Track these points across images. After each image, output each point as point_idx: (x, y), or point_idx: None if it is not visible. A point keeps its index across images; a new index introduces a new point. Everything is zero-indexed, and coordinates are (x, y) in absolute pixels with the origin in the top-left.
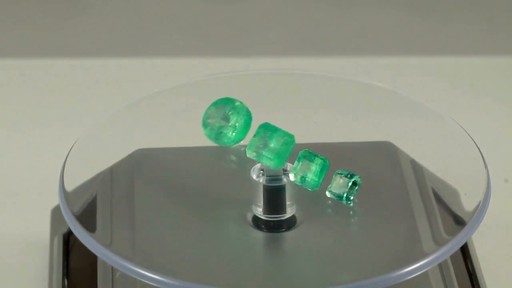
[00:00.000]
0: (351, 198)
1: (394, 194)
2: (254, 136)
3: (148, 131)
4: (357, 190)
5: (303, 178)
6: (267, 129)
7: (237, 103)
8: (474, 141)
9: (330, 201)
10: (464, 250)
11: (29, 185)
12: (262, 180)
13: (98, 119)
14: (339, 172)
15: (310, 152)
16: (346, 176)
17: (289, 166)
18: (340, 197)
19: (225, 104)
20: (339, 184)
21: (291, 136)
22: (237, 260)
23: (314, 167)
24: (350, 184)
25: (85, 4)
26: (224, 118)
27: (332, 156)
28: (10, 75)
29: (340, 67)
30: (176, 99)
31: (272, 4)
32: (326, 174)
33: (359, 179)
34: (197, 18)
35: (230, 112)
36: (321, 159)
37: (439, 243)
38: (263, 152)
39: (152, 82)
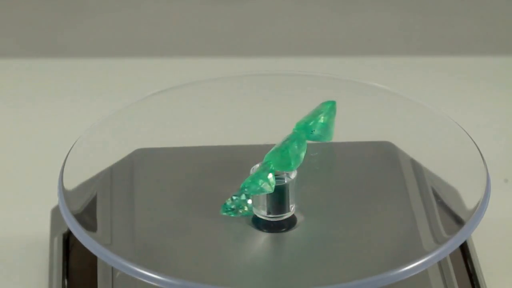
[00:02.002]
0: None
1: (394, 194)
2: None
3: (148, 131)
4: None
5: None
6: (296, 134)
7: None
8: (473, 141)
9: (329, 202)
10: (464, 250)
11: (29, 185)
12: None
13: (98, 119)
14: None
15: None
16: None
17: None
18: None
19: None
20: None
21: (281, 152)
22: (237, 259)
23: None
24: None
25: (85, 4)
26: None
27: (332, 156)
28: (10, 75)
29: (340, 67)
30: (176, 99)
31: (272, 4)
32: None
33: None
34: (197, 18)
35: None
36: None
37: (438, 242)
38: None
39: (152, 82)
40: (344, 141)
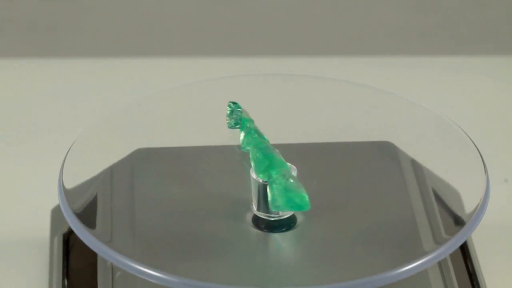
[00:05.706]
0: None
1: (394, 194)
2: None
3: (148, 131)
4: None
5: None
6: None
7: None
8: (472, 141)
9: (329, 201)
10: (464, 250)
11: (29, 185)
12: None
13: (98, 119)
14: None
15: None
16: None
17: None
18: None
19: None
20: None
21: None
22: (237, 258)
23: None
24: None
25: (85, 4)
26: None
27: (332, 156)
28: (10, 75)
29: (340, 67)
30: (176, 99)
31: (272, 4)
32: None
33: None
34: (197, 18)
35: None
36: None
37: (438, 242)
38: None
39: (152, 82)
40: (344, 141)
